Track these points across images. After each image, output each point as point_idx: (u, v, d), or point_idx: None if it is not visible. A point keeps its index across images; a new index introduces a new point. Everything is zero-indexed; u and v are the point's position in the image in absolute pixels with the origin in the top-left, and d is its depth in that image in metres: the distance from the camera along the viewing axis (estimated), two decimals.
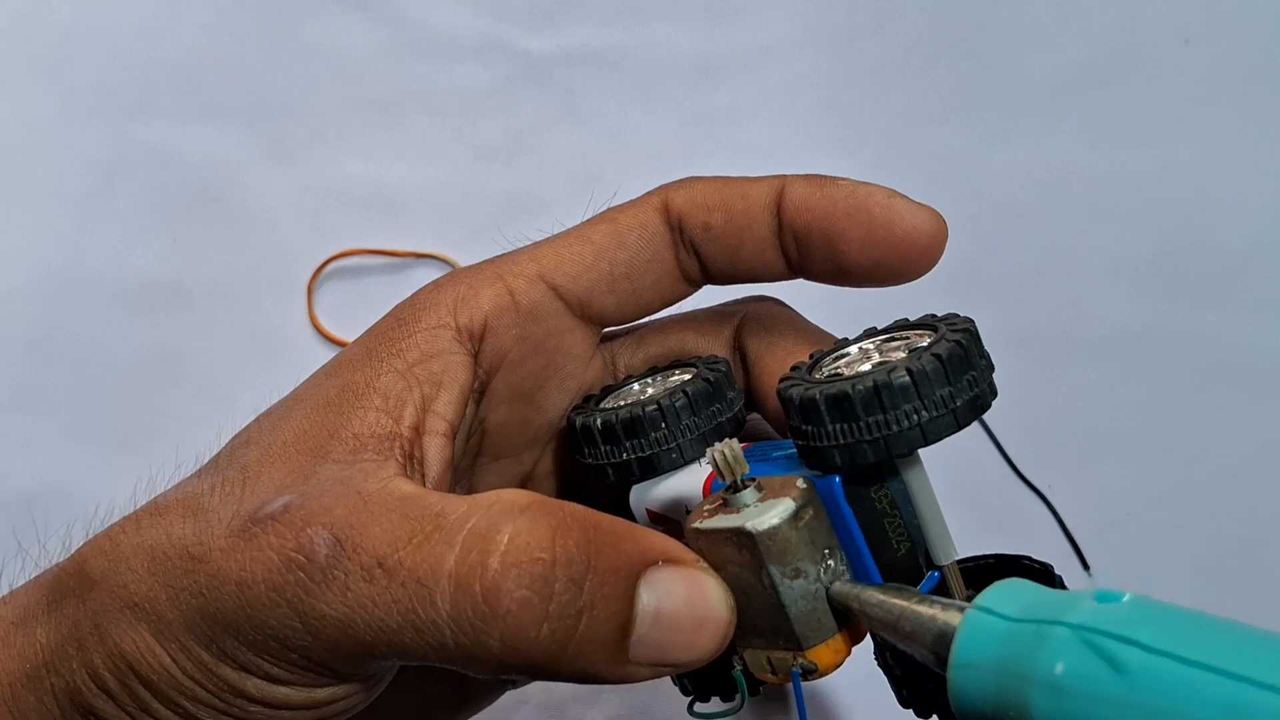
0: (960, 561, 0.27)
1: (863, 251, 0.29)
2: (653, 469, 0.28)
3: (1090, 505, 0.45)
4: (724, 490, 0.25)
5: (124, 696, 0.25)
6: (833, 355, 0.27)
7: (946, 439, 0.24)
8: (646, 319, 0.33)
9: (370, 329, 0.29)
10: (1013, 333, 0.48)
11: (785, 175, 0.30)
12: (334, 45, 0.50)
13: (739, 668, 0.26)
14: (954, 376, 0.24)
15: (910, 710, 0.28)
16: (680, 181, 0.31)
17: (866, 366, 0.26)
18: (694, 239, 0.30)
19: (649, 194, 0.31)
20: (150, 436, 0.48)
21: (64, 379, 0.48)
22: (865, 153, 0.49)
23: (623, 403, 0.30)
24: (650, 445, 0.28)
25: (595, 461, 0.29)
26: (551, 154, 0.49)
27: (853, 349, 0.28)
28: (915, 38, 0.49)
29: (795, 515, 0.24)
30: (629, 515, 0.30)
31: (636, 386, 0.31)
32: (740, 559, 0.24)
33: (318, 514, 0.24)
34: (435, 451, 0.27)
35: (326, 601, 0.23)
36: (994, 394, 0.25)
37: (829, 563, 0.25)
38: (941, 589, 0.26)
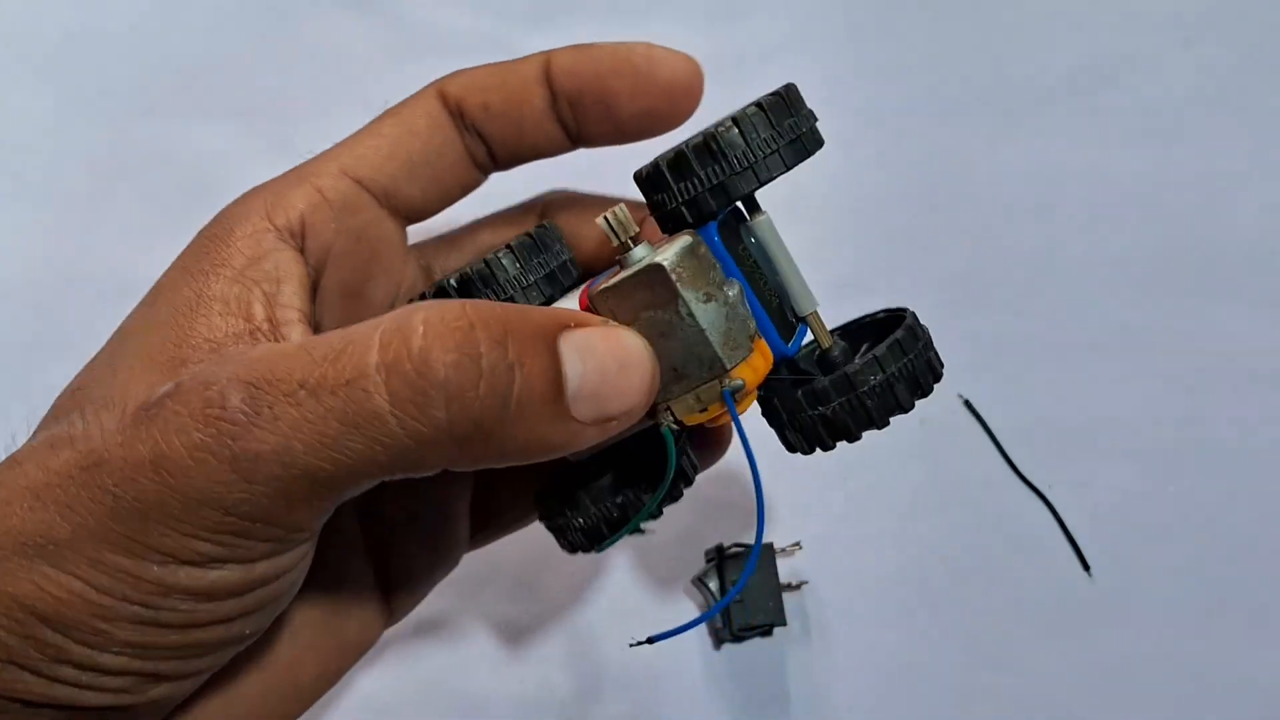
0: (844, 325, 0.31)
1: (633, 100, 0.31)
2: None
3: (1090, 505, 0.45)
4: (618, 256, 0.27)
5: (30, 651, 0.24)
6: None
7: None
8: (448, 226, 0.34)
9: (179, 255, 0.29)
10: (1013, 333, 0.48)
11: (547, 50, 0.32)
12: (334, 45, 0.50)
13: (666, 423, 0.27)
14: (776, 122, 0.27)
15: (796, 454, 0.30)
16: (451, 74, 0.32)
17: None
18: (475, 121, 0.31)
19: (424, 89, 0.32)
20: None
21: (64, 378, 0.48)
22: (865, 152, 0.49)
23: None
24: (505, 289, 0.29)
25: None
26: None
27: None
28: (915, 38, 0.49)
29: (692, 246, 0.26)
30: None
31: (474, 262, 0.32)
32: (654, 299, 0.26)
33: (216, 374, 0.24)
34: (299, 337, 0.27)
35: (257, 438, 0.23)
36: (818, 141, 0.28)
37: (728, 287, 0.26)
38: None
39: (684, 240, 0.26)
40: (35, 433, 0.28)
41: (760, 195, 0.28)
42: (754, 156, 0.27)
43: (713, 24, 0.49)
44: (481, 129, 0.32)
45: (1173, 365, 0.47)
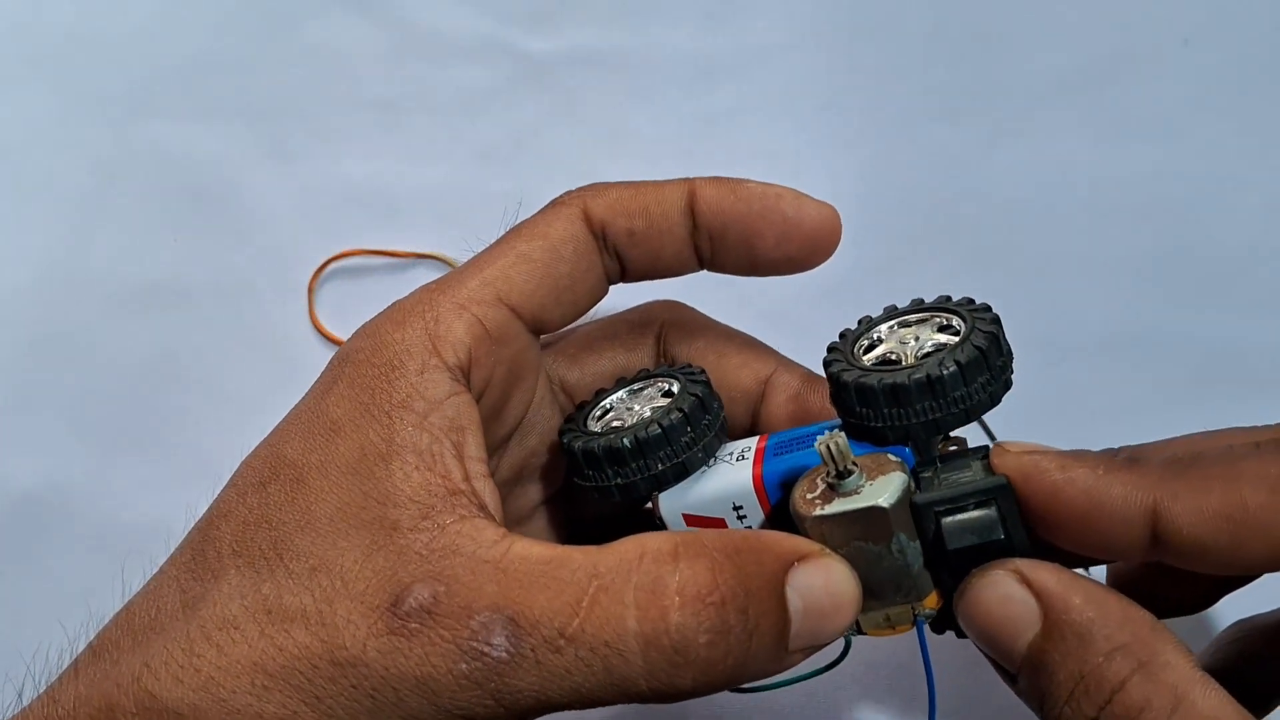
0: None
1: (777, 247, 0.32)
2: (682, 474, 0.31)
3: None
4: (830, 477, 0.27)
5: None
6: (863, 335, 0.31)
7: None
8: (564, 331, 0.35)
9: (344, 382, 0.29)
10: (1013, 333, 0.47)
11: (691, 179, 0.33)
12: (334, 46, 0.50)
13: (849, 632, 0.28)
14: (991, 363, 0.28)
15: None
16: (591, 189, 0.33)
17: (907, 349, 0.30)
18: (618, 244, 0.32)
19: (565, 204, 0.32)
20: (151, 436, 0.48)
21: (64, 379, 0.48)
22: (865, 152, 0.49)
23: (621, 422, 0.32)
24: (681, 453, 0.30)
25: (623, 480, 0.31)
26: (551, 154, 0.49)
27: (882, 329, 0.31)
28: (915, 38, 0.49)
29: (907, 486, 0.27)
30: (621, 519, 0.32)
31: (617, 403, 0.33)
32: (868, 533, 0.27)
33: (474, 596, 0.25)
34: (490, 495, 0.28)
35: (520, 679, 0.24)
36: (1012, 371, 0.30)
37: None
38: None
39: (899, 479, 0.27)
40: (218, 570, 0.27)
41: None
42: (971, 400, 0.28)
43: (713, 24, 0.49)
44: (622, 251, 0.32)
45: (1173, 365, 0.47)
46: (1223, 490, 0.25)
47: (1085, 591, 0.26)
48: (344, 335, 0.48)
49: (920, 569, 0.27)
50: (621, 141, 0.49)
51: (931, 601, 0.28)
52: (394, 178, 0.49)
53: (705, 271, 0.35)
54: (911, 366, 0.28)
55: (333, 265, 0.49)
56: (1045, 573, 0.26)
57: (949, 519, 0.27)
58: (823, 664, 0.30)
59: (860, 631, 0.29)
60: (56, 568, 0.46)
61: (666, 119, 0.49)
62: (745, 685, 0.28)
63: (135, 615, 0.28)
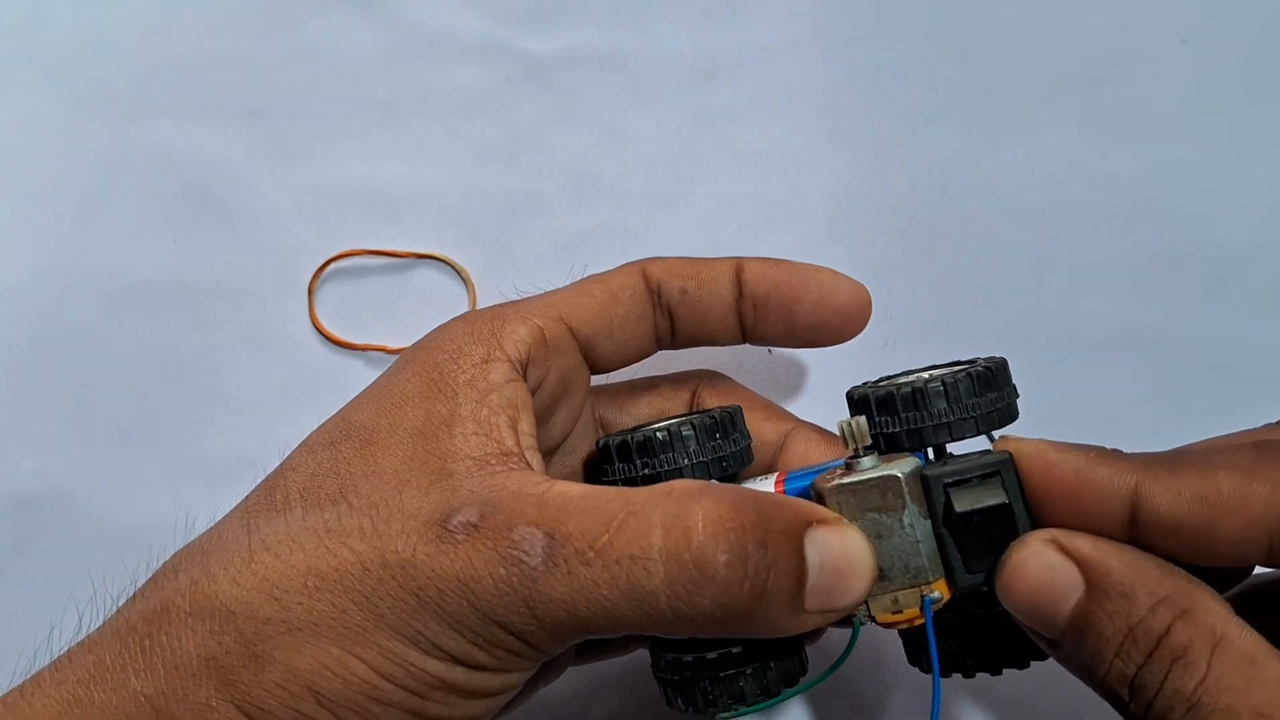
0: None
1: (813, 313, 0.36)
2: (705, 476, 0.33)
3: None
4: (848, 459, 0.30)
5: None
6: (884, 379, 0.33)
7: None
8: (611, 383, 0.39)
9: (415, 364, 0.32)
10: (1013, 333, 0.48)
11: (739, 256, 0.37)
12: (334, 45, 0.50)
13: (859, 615, 0.30)
14: (1001, 385, 0.32)
15: (916, 668, 0.34)
16: (651, 258, 0.37)
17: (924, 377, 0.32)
18: (670, 302, 0.36)
19: (627, 265, 0.37)
20: (151, 436, 0.48)
21: (64, 379, 0.48)
22: (865, 152, 0.49)
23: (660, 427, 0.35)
24: (678, 460, 0.33)
25: (650, 472, 0.33)
26: (551, 154, 0.49)
27: (900, 378, 0.33)
28: (915, 38, 0.49)
29: (919, 468, 0.30)
30: None
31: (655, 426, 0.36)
32: (883, 504, 0.29)
33: (517, 515, 0.27)
34: (538, 465, 0.31)
35: (552, 587, 0.26)
36: (1013, 415, 0.33)
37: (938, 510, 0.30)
38: None
39: (913, 461, 0.30)
40: (284, 511, 0.30)
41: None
42: (981, 410, 0.31)
43: (712, 24, 0.50)
44: (674, 310, 0.36)
45: (1173, 365, 0.47)
46: (1200, 475, 0.27)
47: (1121, 554, 0.27)
48: (344, 335, 0.48)
49: (930, 548, 0.29)
50: (621, 141, 0.49)
51: (940, 586, 0.30)
52: (394, 177, 0.49)
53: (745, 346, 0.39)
54: (929, 377, 0.31)
55: (333, 265, 0.49)
56: (1081, 540, 0.28)
57: (956, 489, 0.30)
58: (829, 662, 0.32)
59: (870, 616, 0.30)
60: (56, 567, 0.46)
61: (666, 119, 0.49)
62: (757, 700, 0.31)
63: (197, 545, 0.31)
